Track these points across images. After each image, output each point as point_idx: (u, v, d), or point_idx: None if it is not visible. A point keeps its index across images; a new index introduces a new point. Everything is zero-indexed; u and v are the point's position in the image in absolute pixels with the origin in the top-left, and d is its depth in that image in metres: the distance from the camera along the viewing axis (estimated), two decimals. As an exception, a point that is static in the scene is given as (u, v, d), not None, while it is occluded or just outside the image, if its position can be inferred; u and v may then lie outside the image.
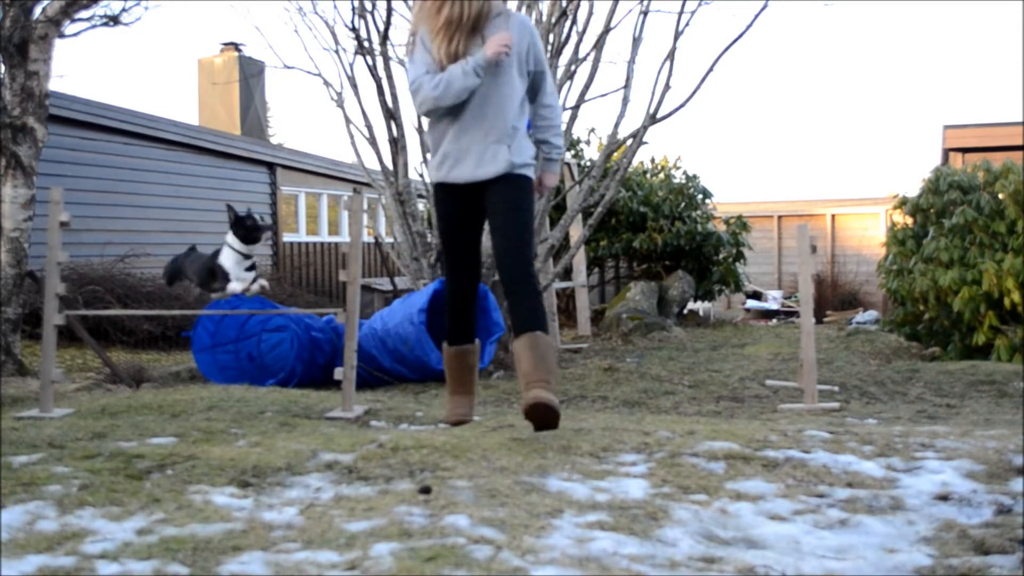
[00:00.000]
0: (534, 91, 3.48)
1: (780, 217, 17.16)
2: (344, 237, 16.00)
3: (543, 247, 8.10)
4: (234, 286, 4.05)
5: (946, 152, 12.92)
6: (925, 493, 2.60)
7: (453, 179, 3.44)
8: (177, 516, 2.36)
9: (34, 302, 7.40)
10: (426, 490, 2.54)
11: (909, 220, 9.40)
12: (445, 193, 3.50)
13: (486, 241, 4.72)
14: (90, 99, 11.23)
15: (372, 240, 14.18)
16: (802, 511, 2.46)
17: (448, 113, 3.40)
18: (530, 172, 3.46)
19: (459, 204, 3.49)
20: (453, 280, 3.57)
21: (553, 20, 7.80)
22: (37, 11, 6.81)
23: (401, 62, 8.42)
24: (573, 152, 13.09)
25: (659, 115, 8.06)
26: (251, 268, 3.94)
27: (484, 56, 3.29)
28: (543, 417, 3.15)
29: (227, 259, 3.91)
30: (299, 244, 15.26)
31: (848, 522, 2.37)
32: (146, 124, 12.10)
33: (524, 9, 7.69)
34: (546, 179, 3.60)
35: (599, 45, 8.11)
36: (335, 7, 9.03)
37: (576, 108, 8.14)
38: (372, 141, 8.25)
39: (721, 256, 13.40)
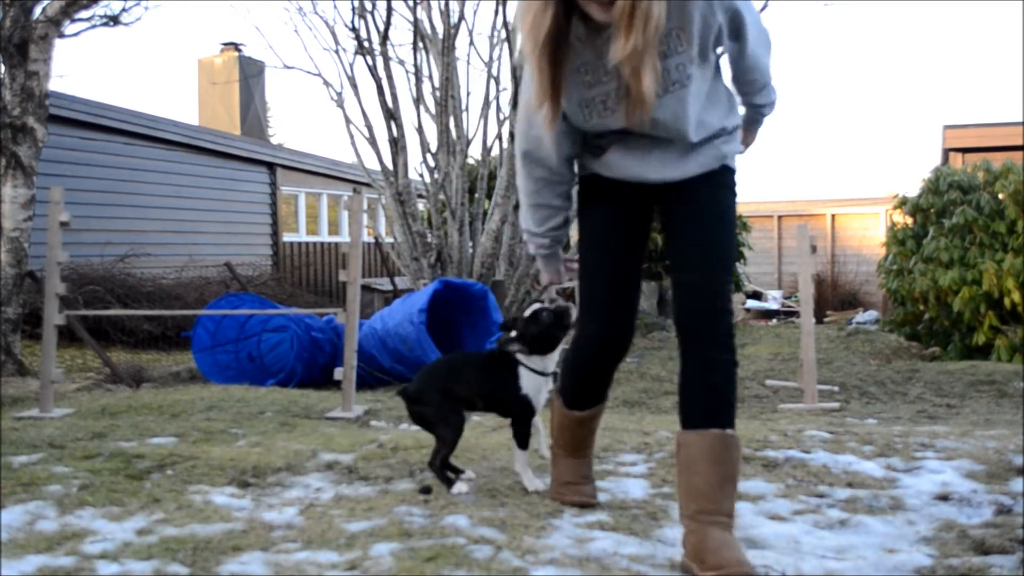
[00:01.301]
0: (734, 51, 2.24)
1: (780, 217, 17.14)
2: (344, 237, 16.00)
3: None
4: (537, 421, 2.79)
5: (946, 152, 12.91)
6: (925, 493, 2.60)
7: (627, 175, 2.26)
8: (177, 516, 2.36)
9: (34, 302, 7.39)
10: (426, 490, 2.54)
11: (909, 220, 9.40)
12: (604, 192, 2.32)
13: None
14: (90, 99, 11.23)
15: (372, 240, 14.19)
16: (802, 511, 2.46)
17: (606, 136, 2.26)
18: (735, 162, 2.36)
19: (624, 209, 2.32)
20: (597, 326, 2.36)
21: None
22: (37, 11, 6.82)
23: (401, 62, 8.43)
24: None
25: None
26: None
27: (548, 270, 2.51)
28: None
29: (529, 385, 2.60)
30: (299, 244, 15.26)
31: (848, 522, 2.37)
32: (146, 124, 12.10)
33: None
34: (745, 141, 2.51)
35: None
36: (335, 7, 9.09)
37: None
38: (372, 141, 8.26)
39: (721, 256, 13.39)
